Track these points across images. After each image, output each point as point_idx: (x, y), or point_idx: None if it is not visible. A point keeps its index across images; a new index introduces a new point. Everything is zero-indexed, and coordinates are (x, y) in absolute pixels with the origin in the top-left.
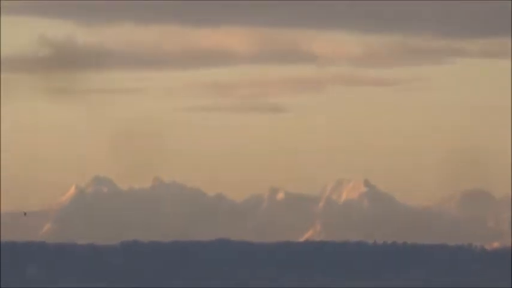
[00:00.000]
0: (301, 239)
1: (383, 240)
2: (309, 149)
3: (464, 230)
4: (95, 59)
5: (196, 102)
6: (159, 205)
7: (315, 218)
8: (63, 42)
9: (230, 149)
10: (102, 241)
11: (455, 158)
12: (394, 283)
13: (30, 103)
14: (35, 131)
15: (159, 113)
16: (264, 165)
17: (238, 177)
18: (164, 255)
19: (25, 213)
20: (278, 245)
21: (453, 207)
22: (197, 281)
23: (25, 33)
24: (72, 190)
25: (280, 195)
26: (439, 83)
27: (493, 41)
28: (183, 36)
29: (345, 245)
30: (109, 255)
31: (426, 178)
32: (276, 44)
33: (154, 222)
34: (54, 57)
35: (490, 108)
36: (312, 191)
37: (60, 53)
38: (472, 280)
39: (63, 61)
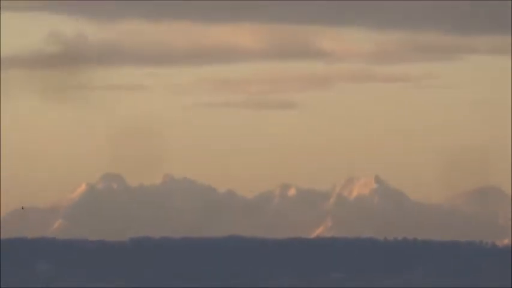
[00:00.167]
0: (312, 235)
1: (394, 236)
2: (320, 145)
3: (475, 226)
4: (104, 55)
5: (206, 99)
6: (169, 201)
7: (326, 214)
8: (73, 39)
9: (241, 146)
10: (112, 237)
11: (466, 155)
12: (404, 279)
13: (39, 100)
14: (45, 127)
15: (169, 110)
16: (275, 162)
17: (249, 174)
18: (174, 251)
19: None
20: (289, 241)
21: (464, 204)
22: (207, 277)
23: (35, 30)
24: (82, 187)
25: (292, 192)
26: (449, 80)
27: (503, 37)
28: (192, 32)
29: (356, 241)
30: (119, 251)
31: (437, 174)
32: (286, 40)
33: (165, 219)
34: (64, 54)
35: (501, 104)
36: (323, 187)
37: (70, 49)
38: (483, 277)
39: (73, 58)
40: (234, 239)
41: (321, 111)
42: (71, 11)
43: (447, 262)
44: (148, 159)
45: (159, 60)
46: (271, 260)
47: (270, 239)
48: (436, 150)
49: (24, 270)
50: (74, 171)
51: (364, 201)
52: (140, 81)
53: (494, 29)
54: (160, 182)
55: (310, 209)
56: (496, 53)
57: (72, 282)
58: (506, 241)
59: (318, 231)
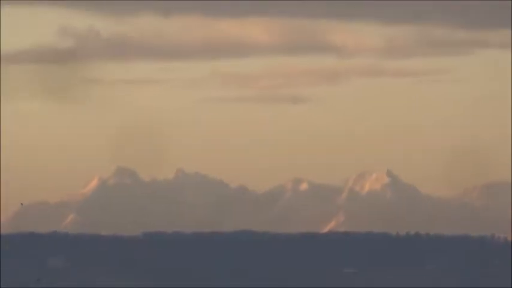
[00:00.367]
0: (324, 230)
1: (406, 231)
2: (332, 139)
3: (487, 221)
4: (117, 50)
5: (219, 93)
6: (181, 196)
7: (338, 208)
8: (85, 33)
9: (253, 140)
10: (125, 232)
11: (478, 149)
12: (416, 274)
13: (51, 95)
14: (57, 122)
15: (181, 104)
16: (287, 156)
17: (261, 168)
18: (187, 245)
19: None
20: (301, 236)
21: (476, 198)
22: (219, 271)
23: (47, 24)
24: (95, 181)
25: (304, 186)
26: (460, 74)
27: None
28: (205, 27)
29: (368, 236)
30: (132, 245)
31: (449, 169)
32: (298, 35)
33: (177, 213)
34: (75, 49)
35: None
36: (335, 181)
37: (82, 44)
38: (494, 271)
39: (85, 52)
40: (245, 234)
41: (333, 106)
42: (82, 6)
43: (459, 256)
44: (160, 153)
45: (171, 55)
46: (283, 255)
47: (282, 233)
48: (447, 144)
49: (37, 265)
50: (87, 166)
51: (376, 195)
52: (152, 75)
53: (505, 23)
54: (173, 176)
55: (322, 203)
56: (507, 48)
57: (84, 276)
58: None
59: (330, 226)
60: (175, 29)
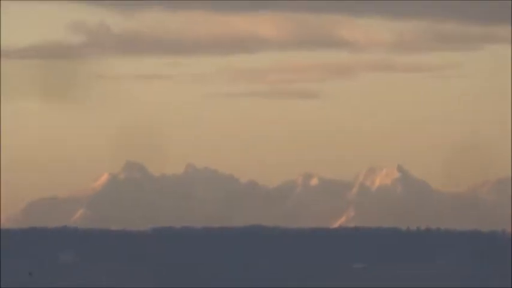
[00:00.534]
0: (335, 225)
1: (416, 226)
2: (342, 134)
3: (498, 216)
4: (127, 45)
5: (228, 88)
6: (191, 191)
7: (349, 204)
8: (96, 29)
9: (263, 135)
10: (134, 227)
11: (489, 144)
12: (426, 269)
13: (61, 89)
14: (67, 117)
15: (191, 99)
16: (298, 151)
17: (271, 163)
18: (196, 241)
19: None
20: (311, 231)
21: (487, 193)
22: (229, 266)
23: (57, 20)
24: (104, 176)
25: (314, 181)
26: (470, 70)
27: None
28: (214, 22)
29: (378, 231)
30: (141, 240)
31: (460, 164)
32: (308, 29)
33: (187, 209)
34: (86, 44)
35: None
36: (345, 176)
37: (93, 39)
38: (505, 266)
39: (96, 48)
40: (255, 229)
41: (342, 101)
42: (93, 2)
43: (470, 252)
44: (170, 148)
45: (180, 50)
46: (293, 250)
47: (292, 228)
48: (458, 139)
49: (47, 260)
50: (96, 161)
51: (387, 190)
52: (162, 71)
53: None
54: (182, 171)
55: (333, 198)
56: None
57: (94, 271)
58: None
59: (340, 221)
60: (185, 24)
